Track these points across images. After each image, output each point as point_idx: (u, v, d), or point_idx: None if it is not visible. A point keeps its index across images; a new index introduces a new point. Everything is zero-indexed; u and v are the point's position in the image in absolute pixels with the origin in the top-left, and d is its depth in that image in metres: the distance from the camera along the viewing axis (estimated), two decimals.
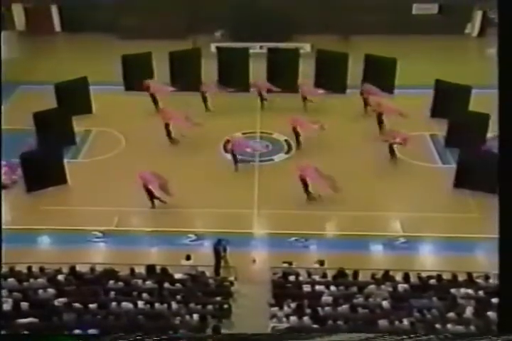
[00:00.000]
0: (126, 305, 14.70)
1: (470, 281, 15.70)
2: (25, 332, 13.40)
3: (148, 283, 15.66)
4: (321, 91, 25.40)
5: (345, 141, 23.36)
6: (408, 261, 17.71)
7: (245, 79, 26.65)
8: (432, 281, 15.69)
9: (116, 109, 25.17)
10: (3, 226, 16.77)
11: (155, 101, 25.38)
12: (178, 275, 16.08)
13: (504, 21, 10.66)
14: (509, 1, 10.84)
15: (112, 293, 15.25)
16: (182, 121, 22.65)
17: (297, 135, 22.89)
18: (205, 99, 25.47)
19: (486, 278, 15.70)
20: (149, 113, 24.70)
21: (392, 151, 22.04)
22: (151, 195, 19.62)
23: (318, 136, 23.13)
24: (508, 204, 10.04)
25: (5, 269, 15.61)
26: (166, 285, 15.57)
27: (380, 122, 23.67)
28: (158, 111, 24.78)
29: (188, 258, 16.64)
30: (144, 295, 15.19)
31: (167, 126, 22.94)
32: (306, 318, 14.33)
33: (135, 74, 26.12)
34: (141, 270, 16.19)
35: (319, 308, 14.61)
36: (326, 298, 15.10)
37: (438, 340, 11.50)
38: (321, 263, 16.53)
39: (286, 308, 14.73)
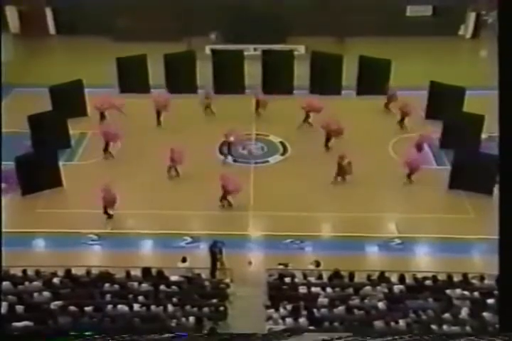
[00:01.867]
0: (122, 307, 14.70)
1: (465, 282, 15.74)
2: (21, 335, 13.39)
3: (144, 285, 15.65)
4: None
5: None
6: (403, 262, 17.74)
7: (240, 81, 26.68)
8: (428, 282, 15.72)
9: (111, 112, 25.07)
10: None
11: (102, 116, 24.81)
12: (173, 278, 16.07)
13: (504, 21, 10.69)
14: (509, 1, 10.87)
15: (108, 296, 15.26)
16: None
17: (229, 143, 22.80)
18: (158, 113, 24.56)
19: (482, 278, 15.74)
20: (144, 115, 24.66)
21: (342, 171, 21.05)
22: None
23: (318, 139, 23.25)
24: (508, 204, 10.06)
25: None
26: (162, 287, 15.55)
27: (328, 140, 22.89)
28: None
29: (184, 260, 16.65)
30: (140, 297, 15.18)
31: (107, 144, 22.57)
32: (302, 320, 14.34)
33: (130, 76, 26.11)
34: (136, 272, 16.18)
35: (315, 310, 14.64)
36: (322, 300, 15.12)
37: None
38: (317, 264, 16.55)
39: (282, 310, 14.74)
